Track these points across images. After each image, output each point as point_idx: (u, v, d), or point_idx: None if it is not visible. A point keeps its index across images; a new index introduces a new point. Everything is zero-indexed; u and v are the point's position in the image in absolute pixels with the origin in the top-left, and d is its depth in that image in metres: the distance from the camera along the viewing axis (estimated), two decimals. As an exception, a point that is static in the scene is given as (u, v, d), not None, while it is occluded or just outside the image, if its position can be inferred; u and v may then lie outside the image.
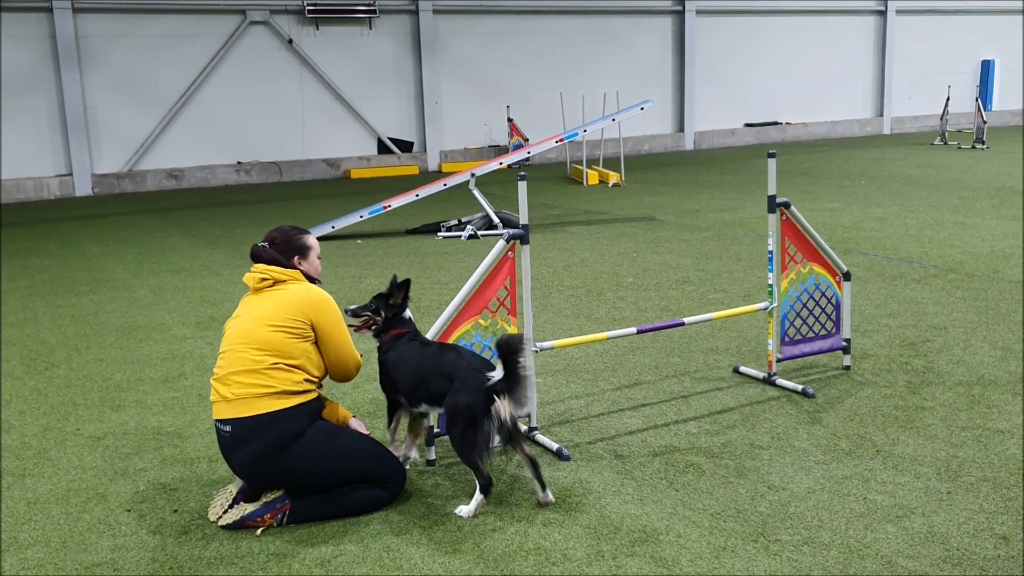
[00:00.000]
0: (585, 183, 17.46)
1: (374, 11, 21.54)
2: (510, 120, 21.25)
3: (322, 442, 3.86)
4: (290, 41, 21.04)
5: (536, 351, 4.61)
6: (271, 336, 3.87)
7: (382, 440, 4.33)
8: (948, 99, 23.09)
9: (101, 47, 19.38)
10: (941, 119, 23.31)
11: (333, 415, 4.14)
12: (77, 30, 19.02)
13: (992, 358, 5.71)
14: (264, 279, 4.00)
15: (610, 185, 17.02)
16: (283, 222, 13.42)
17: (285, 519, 3.84)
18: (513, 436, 3.87)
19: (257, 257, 4.07)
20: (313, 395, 3.96)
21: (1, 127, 18.61)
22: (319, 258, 4.24)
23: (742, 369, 5.65)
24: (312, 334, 3.96)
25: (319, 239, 12.06)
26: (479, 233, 11.60)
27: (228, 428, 3.85)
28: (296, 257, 4.11)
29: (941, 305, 7.06)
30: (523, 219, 4.52)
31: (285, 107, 21.32)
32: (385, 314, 4.27)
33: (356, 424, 4.17)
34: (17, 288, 9.29)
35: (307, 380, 3.92)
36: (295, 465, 3.82)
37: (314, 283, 4.15)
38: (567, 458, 4.40)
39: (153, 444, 4.84)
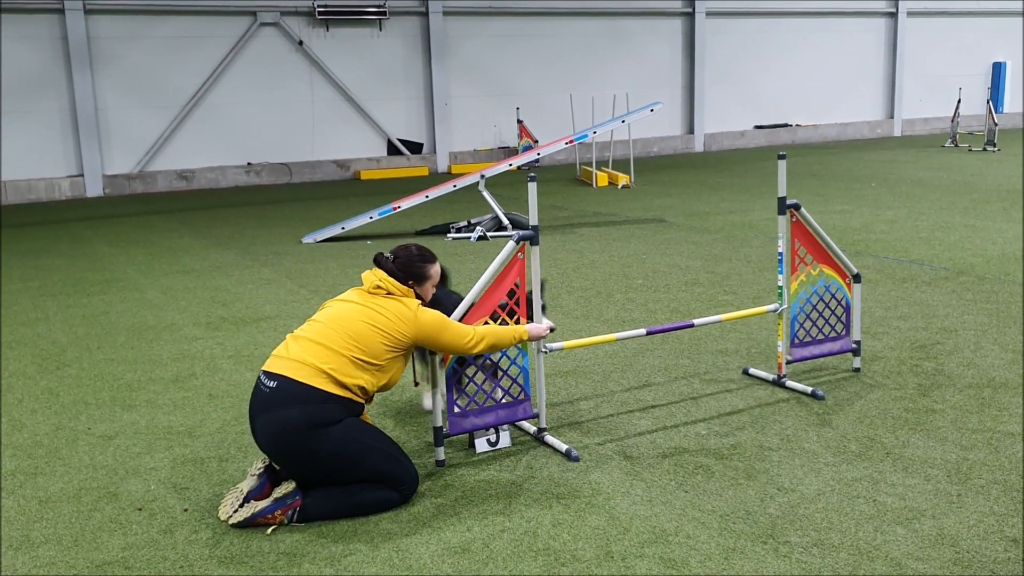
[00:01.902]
0: (595, 185, 17.46)
1: (384, 13, 21.58)
2: (520, 122, 21.27)
3: (349, 434, 3.91)
4: (300, 43, 21.09)
5: (545, 352, 4.62)
6: (368, 334, 3.99)
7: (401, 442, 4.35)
8: (959, 101, 23.00)
9: (112, 48, 19.46)
10: (952, 121, 23.22)
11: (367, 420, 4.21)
12: (88, 31, 19.11)
13: (1003, 361, 5.69)
14: (380, 287, 4.14)
15: (620, 187, 17.02)
16: (294, 223, 13.60)
17: (296, 516, 3.86)
18: None
19: (378, 264, 4.24)
20: (360, 399, 4.03)
21: (1, 128, 18.67)
22: (435, 286, 4.36)
23: (752, 371, 5.64)
24: (406, 349, 4.12)
25: (328, 240, 12.18)
26: (489, 234, 11.61)
27: (272, 384, 3.90)
28: (411, 281, 4.22)
29: (951, 308, 7.04)
30: (533, 220, 4.53)
31: (295, 108, 21.38)
32: None
33: (536, 331, 4.41)
34: (29, 288, 9.34)
35: (362, 388, 3.99)
36: (318, 449, 3.85)
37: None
38: (576, 459, 4.41)
39: (164, 443, 4.87)
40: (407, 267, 4.22)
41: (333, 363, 3.92)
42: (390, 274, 4.18)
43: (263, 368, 4.01)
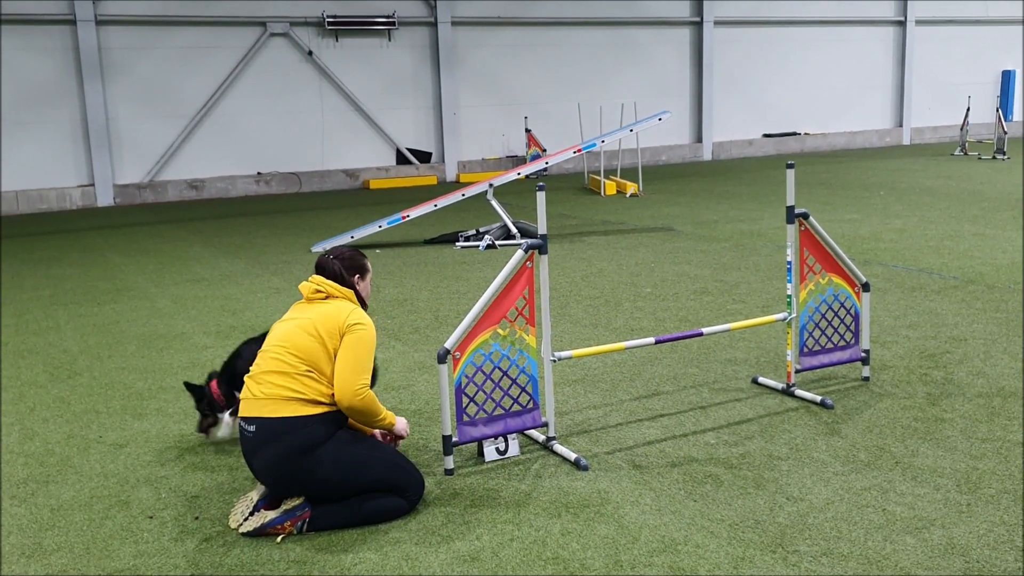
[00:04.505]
0: (603, 193, 17.47)
1: (393, 23, 21.67)
2: (528, 131, 21.31)
3: (344, 449, 3.91)
4: (310, 53, 21.18)
5: (554, 361, 4.63)
6: (308, 344, 3.96)
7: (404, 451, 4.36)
8: (968, 109, 22.96)
9: (123, 59, 19.58)
10: (961, 130, 23.18)
11: (358, 427, 4.20)
12: (100, 42, 19.23)
13: (1013, 370, 5.68)
14: (318, 291, 4.14)
15: (628, 195, 17.03)
16: (303, 232, 13.66)
17: (305, 526, 3.88)
18: None
19: (321, 268, 4.22)
20: (336, 406, 4.01)
21: (1, 139, 18.79)
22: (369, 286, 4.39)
23: (760, 380, 5.64)
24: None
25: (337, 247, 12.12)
26: (497, 243, 11.63)
27: (252, 428, 3.91)
28: (356, 276, 4.25)
29: (961, 316, 7.03)
30: (541, 229, 4.55)
31: (305, 118, 21.46)
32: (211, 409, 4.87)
33: (402, 425, 4.27)
34: (40, 297, 9.39)
35: (331, 395, 3.98)
36: (317, 471, 3.86)
37: (363, 305, 4.26)
38: (585, 468, 4.41)
39: (175, 452, 4.89)
40: (353, 261, 4.25)
41: (294, 385, 3.90)
42: (335, 274, 4.17)
43: (240, 415, 4.01)
